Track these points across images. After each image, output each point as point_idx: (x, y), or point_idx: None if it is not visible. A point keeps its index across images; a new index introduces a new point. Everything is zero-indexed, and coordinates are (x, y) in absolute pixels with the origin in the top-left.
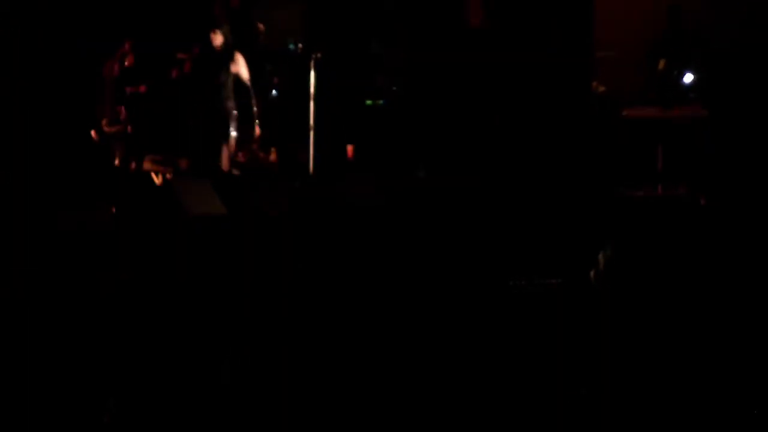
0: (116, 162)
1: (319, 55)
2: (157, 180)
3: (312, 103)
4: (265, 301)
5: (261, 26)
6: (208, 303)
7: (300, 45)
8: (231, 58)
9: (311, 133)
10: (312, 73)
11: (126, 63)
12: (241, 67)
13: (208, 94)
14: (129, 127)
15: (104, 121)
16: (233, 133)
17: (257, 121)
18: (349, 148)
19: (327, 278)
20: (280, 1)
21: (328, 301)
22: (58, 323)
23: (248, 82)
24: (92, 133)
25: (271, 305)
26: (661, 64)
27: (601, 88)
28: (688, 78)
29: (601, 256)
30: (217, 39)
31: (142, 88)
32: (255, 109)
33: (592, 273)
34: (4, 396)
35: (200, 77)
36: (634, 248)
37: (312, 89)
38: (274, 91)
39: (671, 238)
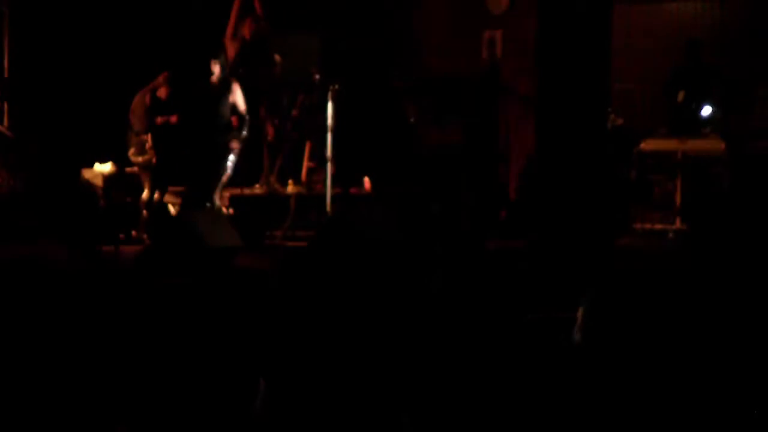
0: (144, 193)
1: (336, 86)
2: (174, 211)
3: (330, 135)
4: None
5: (278, 57)
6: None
7: (317, 76)
8: (228, 89)
9: (328, 165)
10: (330, 105)
11: (159, 94)
12: (237, 97)
13: (203, 126)
14: (154, 158)
15: (131, 151)
16: (228, 166)
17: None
18: (366, 181)
19: (342, 310)
20: (298, 31)
21: (342, 333)
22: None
23: (245, 113)
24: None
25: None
26: (680, 96)
27: (619, 120)
28: (706, 111)
29: (579, 312)
30: (216, 68)
31: (174, 119)
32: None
33: (575, 330)
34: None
35: (198, 108)
36: (627, 296)
37: (330, 121)
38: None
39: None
